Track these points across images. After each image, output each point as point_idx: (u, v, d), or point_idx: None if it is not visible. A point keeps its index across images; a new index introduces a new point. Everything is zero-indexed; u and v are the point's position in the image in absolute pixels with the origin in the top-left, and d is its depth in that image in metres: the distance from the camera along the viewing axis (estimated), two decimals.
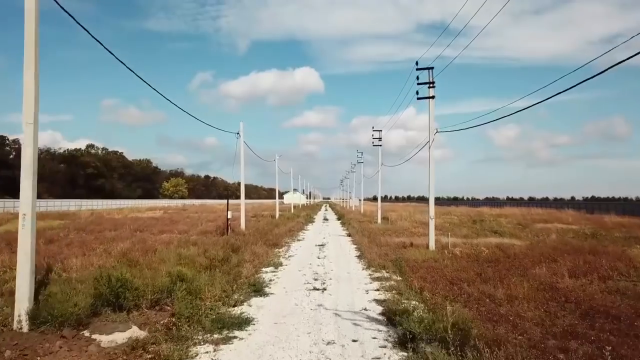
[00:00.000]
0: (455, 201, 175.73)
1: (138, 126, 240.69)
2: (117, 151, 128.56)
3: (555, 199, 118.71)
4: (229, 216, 25.43)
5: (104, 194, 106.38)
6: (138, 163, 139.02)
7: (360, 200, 68.35)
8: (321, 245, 21.35)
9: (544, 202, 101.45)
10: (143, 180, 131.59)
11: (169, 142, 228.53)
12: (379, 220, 37.60)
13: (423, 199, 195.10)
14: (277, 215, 45.45)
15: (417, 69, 19.11)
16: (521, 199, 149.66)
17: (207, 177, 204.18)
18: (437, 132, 19.33)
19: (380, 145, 37.73)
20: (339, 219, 48.82)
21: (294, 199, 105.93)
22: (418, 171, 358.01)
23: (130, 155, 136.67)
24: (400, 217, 43.30)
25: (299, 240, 24.05)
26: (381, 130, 37.41)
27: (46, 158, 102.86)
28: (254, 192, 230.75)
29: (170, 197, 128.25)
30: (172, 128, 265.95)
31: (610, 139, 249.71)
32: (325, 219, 48.93)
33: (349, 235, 26.73)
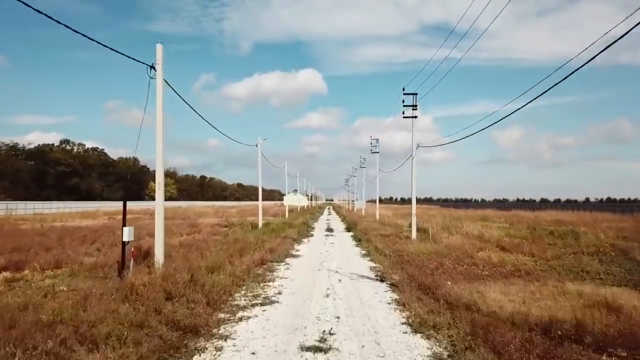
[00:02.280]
0: (465, 203, 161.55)
1: (142, 127, 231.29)
2: (97, 148, 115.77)
3: (568, 201, 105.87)
4: (126, 238, 11.97)
5: (79, 195, 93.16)
6: (124, 162, 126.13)
7: (375, 202, 54.15)
8: (319, 349, 6.96)
9: (557, 204, 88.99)
10: (128, 180, 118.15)
11: (171, 143, 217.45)
12: (414, 234, 24.02)
13: (430, 201, 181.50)
14: (260, 224, 31.78)
15: None
16: (532, 200, 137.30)
17: (203, 177, 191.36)
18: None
19: (416, 117, 24.05)
20: (348, 229, 34.58)
21: (293, 200, 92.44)
22: (421, 171, 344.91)
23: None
24: (437, 227, 29.66)
25: (265, 302, 9.94)
26: (416, 94, 23.74)
27: (9, 154, 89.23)
28: (254, 193, 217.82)
29: None
30: (175, 129, 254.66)
31: (615, 141, 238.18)
32: (329, 230, 34.41)
33: (381, 279, 12.54)
